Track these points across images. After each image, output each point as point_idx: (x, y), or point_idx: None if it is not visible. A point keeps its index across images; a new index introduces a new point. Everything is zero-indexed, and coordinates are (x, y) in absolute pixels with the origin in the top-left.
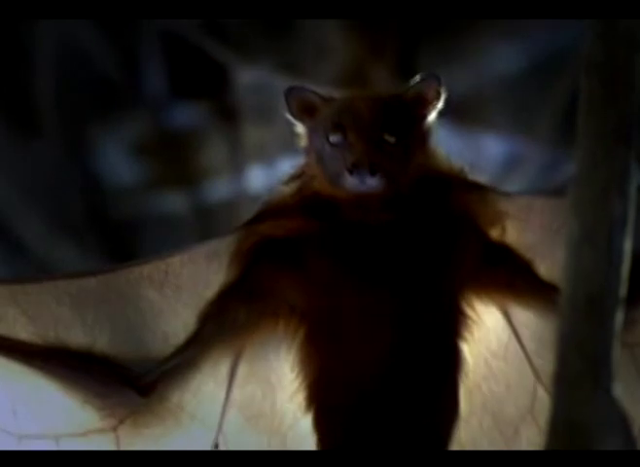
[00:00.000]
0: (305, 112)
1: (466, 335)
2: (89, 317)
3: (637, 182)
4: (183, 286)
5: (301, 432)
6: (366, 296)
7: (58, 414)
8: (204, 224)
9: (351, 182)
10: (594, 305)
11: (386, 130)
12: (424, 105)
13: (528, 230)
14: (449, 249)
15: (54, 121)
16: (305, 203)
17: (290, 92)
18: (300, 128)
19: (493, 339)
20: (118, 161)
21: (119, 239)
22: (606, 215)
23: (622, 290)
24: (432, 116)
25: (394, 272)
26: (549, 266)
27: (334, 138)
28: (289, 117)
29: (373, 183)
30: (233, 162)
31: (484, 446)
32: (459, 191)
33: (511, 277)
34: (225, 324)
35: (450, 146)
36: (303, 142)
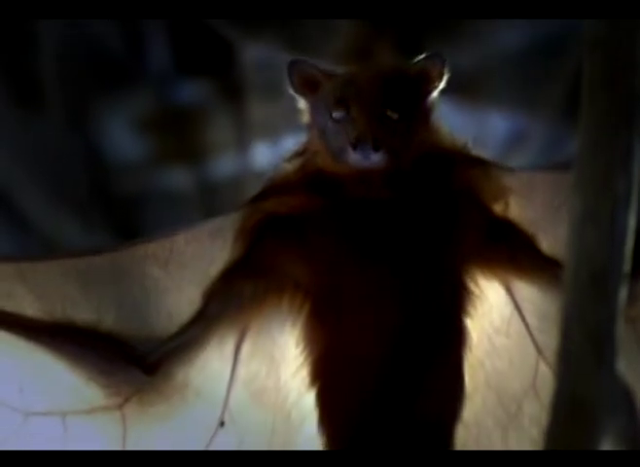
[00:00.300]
0: (308, 87)
1: (470, 310)
2: (95, 295)
3: None
4: (187, 264)
5: (305, 408)
6: (368, 273)
7: (65, 392)
8: (209, 201)
9: (354, 157)
10: (598, 283)
11: (389, 106)
12: (427, 82)
13: (530, 206)
14: (452, 225)
15: (58, 97)
16: (308, 180)
17: (292, 67)
18: (302, 104)
19: (496, 314)
20: (122, 138)
21: (122, 216)
22: (609, 193)
23: (626, 267)
24: (435, 93)
25: (397, 249)
26: (551, 242)
27: (336, 114)
28: (291, 91)
29: (376, 158)
30: (239, 139)
31: (488, 423)
32: (462, 166)
33: (513, 252)
34: (230, 301)
35: (454, 122)
36: (306, 118)
